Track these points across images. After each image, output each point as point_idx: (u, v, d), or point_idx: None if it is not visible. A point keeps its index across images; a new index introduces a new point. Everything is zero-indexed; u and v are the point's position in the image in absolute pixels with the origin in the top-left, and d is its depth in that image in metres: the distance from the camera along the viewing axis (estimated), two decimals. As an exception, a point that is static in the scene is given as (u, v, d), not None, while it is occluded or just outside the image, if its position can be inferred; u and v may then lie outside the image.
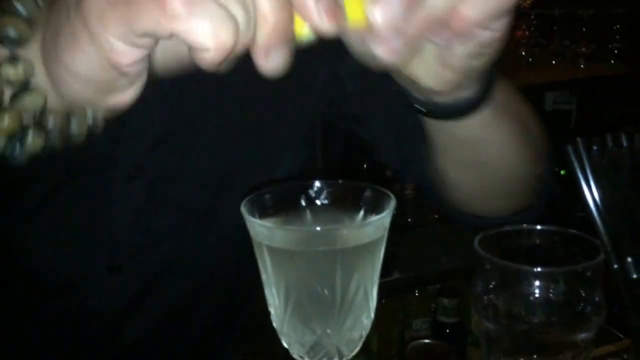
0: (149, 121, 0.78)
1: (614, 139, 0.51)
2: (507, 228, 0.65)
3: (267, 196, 0.52)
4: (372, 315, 0.54)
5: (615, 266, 0.53)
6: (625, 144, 0.51)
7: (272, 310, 0.53)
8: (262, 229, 0.49)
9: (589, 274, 0.58)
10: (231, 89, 0.79)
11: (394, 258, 2.16)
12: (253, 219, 0.50)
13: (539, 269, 0.58)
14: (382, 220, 0.49)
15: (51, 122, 0.51)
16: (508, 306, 0.61)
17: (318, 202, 0.54)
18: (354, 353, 0.53)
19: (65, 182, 0.79)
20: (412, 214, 2.76)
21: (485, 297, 0.63)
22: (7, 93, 0.50)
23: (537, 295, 0.59)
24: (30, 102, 0.50)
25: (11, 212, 0.79)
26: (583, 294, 0.59)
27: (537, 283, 0.59)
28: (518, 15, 2.63)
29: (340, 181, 0.54)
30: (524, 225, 0.65)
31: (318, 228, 0.50)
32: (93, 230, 0.82)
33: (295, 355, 0.53)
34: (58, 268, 0.82)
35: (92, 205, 0.81)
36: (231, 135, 0.84)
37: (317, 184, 0.54)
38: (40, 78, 0.50)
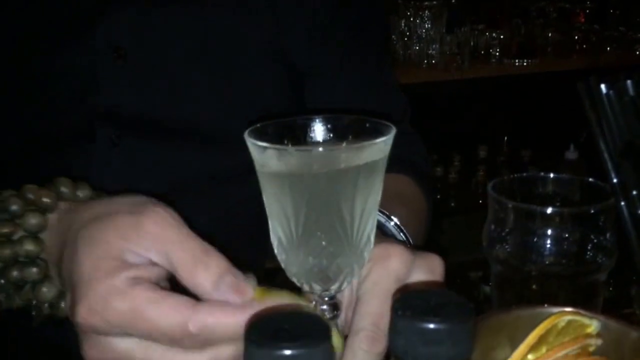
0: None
1: (625, 76, 0.51)
2: (520, 175, 0.66)
3: (270, 127, 0.54)
4: (372, 238, 0.54)
5: (622, 203, 0.53)
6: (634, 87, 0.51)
7: (275, 242, 0.54)
8: (264, 153, 0.50)
9: (599, 216, 0.58)
10: None
11: (437, 244, 2.15)
12: (256, 142, 0.51)
13: (549, 210, 0.58)
14: (382, 143, 0.50)
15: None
16: (519, 249, 0.61)
17: (319, 135, 0.55)
18: (354, 278, 0.54)
19: None
20: (455, 198, 2.75)
21: (497, 240, 0.63)
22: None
23: (548, 237, 0.60)
24: (45, 292, 0.57)
25: None
26: (593, 237, 0.59)
27: (548, 225, 0.59)
28: (573, 1, 2.59)
29: (340, 115, 0.55)
30: (540, 173, 0.65)
31: (320, 149, 0.51)
32: None
33: (305, 287, 0.54)
34: None
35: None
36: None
37: (318, 118, 0.56)
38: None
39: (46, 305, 0.58)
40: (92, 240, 0.51)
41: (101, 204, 0.55)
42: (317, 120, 0.55)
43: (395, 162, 0.62)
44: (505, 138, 2.83)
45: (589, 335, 0.47)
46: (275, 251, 0.54)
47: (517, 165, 2.74)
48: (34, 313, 0.59)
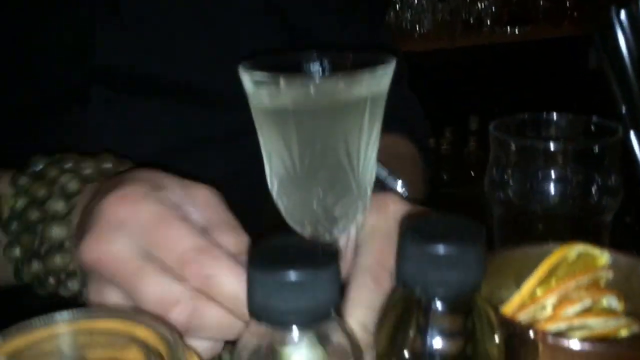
0: None
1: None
2: (522, 115, 0.64)
3: (265, 62, 0.52)
4: (372, 182, 0.52)
5: (632, 133, 0.51)
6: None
7: (275, 186, 0.52)
8: (259, 85, 0.48)
9: (604, 154, 0.57)
10: None
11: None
12: (245, 71, 0.49)
13: (553, 146, 0.57)
14: (382, 72, 0.48)
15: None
16: (522, 189, 0.60)
17: (317, 70, 0.53)
18: (354, 224, 0.52)
19: None
20: (447, 171, 2.74)
21: (499, 182, 0.62)
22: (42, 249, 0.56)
23: (551, 176, 0.58)
24: (60, 261, 0.56)
25: None
26: (598, 177, 0.58)
27: (551, 163, 0.58)
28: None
29: (338, 51, 0.53)
30: (543, 113, 0.63)
31: (317, 80, 0.49)
32: None
33: (308, 230, 0.53)
34: None
35: None
36: None
37: (315, 54, 0.53)
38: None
39: (52, 279, 0.57)
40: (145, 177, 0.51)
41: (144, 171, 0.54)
42: (315, 55, 0.53)
43: (394, 122, 0.60)
44: (497, 109, 2.81)
45: (599, 268, 0.46)
46: (275, 196, 0.52)
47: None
48: (48, 283, 0.58)
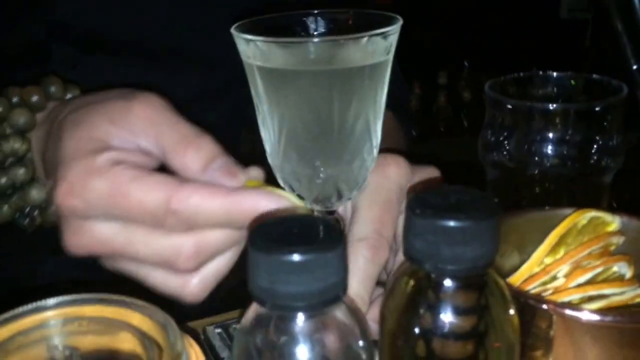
0: None
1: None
2: (518, 74, 0.62)
3: (260, 22, 0.49)
4: (375, 152, 0.51)
5: (635, 67, 0.49)
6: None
7: (267, 145, 0.50)
8: (253, 45, 0.45)
9: (606, 113, 0.55)
10: None
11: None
12: (243, 35, 0.46)
13: (551, 106, 0.55)
14: (386, 39, 0.46)
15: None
16: (519, 151, 0.58)
17: (316, 31, 0.50)
18: (354, 193, 0.50)
19: None
20: (417, 126, 2.71)
21: (494, 144, 0.60)
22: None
23: (550, 137, 0.56)
24: (35, 195, 0.55)
25: None
26: (598, 137, 0.56)
27: (550, 124, 0.55)
28: None
29: (341, 10, 0.50)
30: (539, 71, 0.61)
31: (315, 40, 0.45)
32: None
33: (306, 199, 0.50)
34: None
35: None
36: None
37: (314, 12, 0.50)
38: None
39: (36, 212, 0.56)
40: (78, 123, 0.48)
41: (90, 95, 0.52)
42: (314, 15, 0.50)
43: None
44: (466, 63, 2.79)
45: (610, 234, 0.45)
46: (272, 163, 0.50)
47: (478, 90, 2.71)
48: (26, 222, 0.57)
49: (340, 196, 0.50)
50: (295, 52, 0.45)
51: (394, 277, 0.39)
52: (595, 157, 0.56)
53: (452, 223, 0.35)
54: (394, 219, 0.49)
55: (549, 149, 0.56)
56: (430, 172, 0.53)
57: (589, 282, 0.41)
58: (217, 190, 0.45)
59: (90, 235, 0.46)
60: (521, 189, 0.59)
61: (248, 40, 0.45)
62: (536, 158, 0.57)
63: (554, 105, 0.54)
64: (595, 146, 0.56)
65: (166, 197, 0.44)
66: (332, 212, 0.50)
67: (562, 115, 0.55)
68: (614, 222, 0.45)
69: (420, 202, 0.37)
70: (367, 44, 0.45)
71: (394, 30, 0.46)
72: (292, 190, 0.49)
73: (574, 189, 0.57)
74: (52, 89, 0.57)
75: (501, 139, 0.60)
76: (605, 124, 0.56)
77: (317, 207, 0.49)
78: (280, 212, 0.45)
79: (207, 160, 0.46)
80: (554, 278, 0.42)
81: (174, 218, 0.44)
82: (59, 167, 0.47)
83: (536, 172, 0.57)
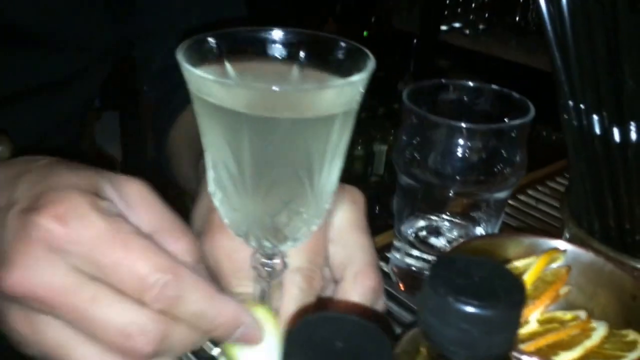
0: None
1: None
2: (436, 81, 0.61)
3: (211, 41, 0.41)
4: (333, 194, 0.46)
5: (570, 102, 0.51)
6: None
7: (218, 196, 0.43)
8: (205, 80, 0.38)
9: (513, 133, 0.56)
10: None
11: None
12: (191, 69, 0.38)
13: (461, 124, 0.55)
14: (357, 84, 0.39)
15: None
16: (427, 161, 0.58)
17: (277, 54, 0.44)
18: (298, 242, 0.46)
19: None
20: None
21: (407, 151, 0.59)
22: None
23: (457, 151, 0.56)
24: None
25: None
26: (504, 153, 0.57)
27: (458, 138, 0.56)
28: None
29: (304, 31, 0.44)
30: (457, 81, 0.61)
31: (275, 88, 0.37)
32: None
33: (253, 244, 0.45)
34: None
35: None
36: None
37: (274, 31, 0.44)
38: None
39: None
40: (72, 168, 0.45)
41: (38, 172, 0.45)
42: (271, 34, 0.43)
43: None
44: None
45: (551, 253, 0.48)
46: (218, 204, 0.44)
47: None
48: None
49: (289, 245, 0.45)
50: (252, 94, 0.38)
51: (405, 346, 0.37)
52: (498, 174, 0.58)
53: (473, 308, 0.34)
54: (325, 247, 0.50)
55: (453, 162, 0.57)
56: (352, 194, 0.52)
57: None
58: (206, 287, 0.42)
59: (48, 278, 0.39)
60: (426, 197, 0.60)
61: (193, 73, 0.38)
62: (441, 169, 0.58)
63: (461, 124, 0.55)
64: (500, 164, 0.57)
65: (165, 267, 0.40)
66: (276, 257, 0.46)
67: (469, 132, 0.56)
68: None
69: (438, 275, 0.35)
70: (336, 93, 0.40)
71: (367, 74, 0.41)
72: (236, 233, 0.44)
73: (474, 202, 0.59)
74: None
75: (412, 141, 0.59)
76: (510, 142, 0.57)
77: (266, 252, 0.45)
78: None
79: (194, 257, 0.45)
80: (526, 323, 0.44)
81: (156, 294, 0.40)
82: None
83: (440, 183, 0.58)
